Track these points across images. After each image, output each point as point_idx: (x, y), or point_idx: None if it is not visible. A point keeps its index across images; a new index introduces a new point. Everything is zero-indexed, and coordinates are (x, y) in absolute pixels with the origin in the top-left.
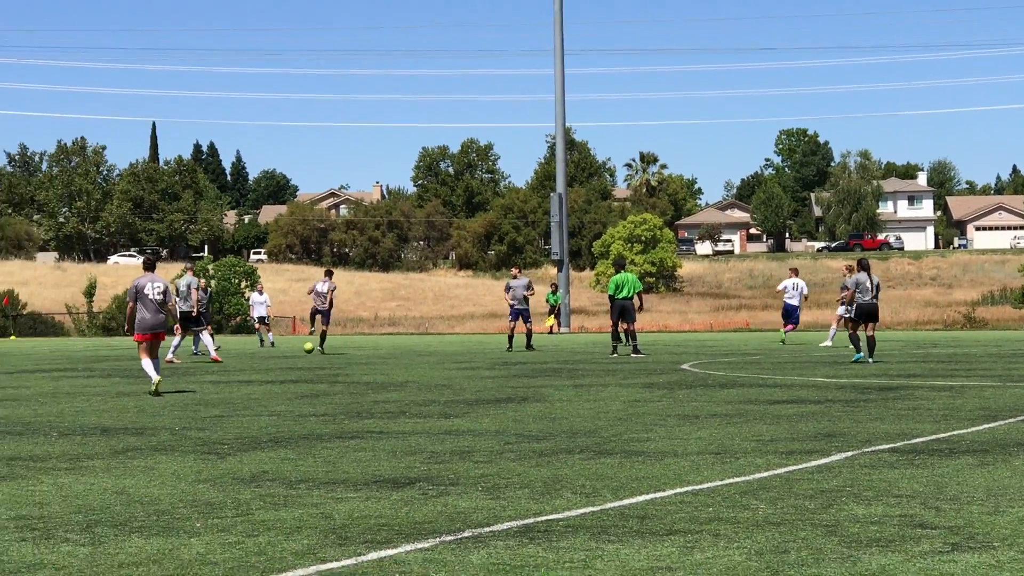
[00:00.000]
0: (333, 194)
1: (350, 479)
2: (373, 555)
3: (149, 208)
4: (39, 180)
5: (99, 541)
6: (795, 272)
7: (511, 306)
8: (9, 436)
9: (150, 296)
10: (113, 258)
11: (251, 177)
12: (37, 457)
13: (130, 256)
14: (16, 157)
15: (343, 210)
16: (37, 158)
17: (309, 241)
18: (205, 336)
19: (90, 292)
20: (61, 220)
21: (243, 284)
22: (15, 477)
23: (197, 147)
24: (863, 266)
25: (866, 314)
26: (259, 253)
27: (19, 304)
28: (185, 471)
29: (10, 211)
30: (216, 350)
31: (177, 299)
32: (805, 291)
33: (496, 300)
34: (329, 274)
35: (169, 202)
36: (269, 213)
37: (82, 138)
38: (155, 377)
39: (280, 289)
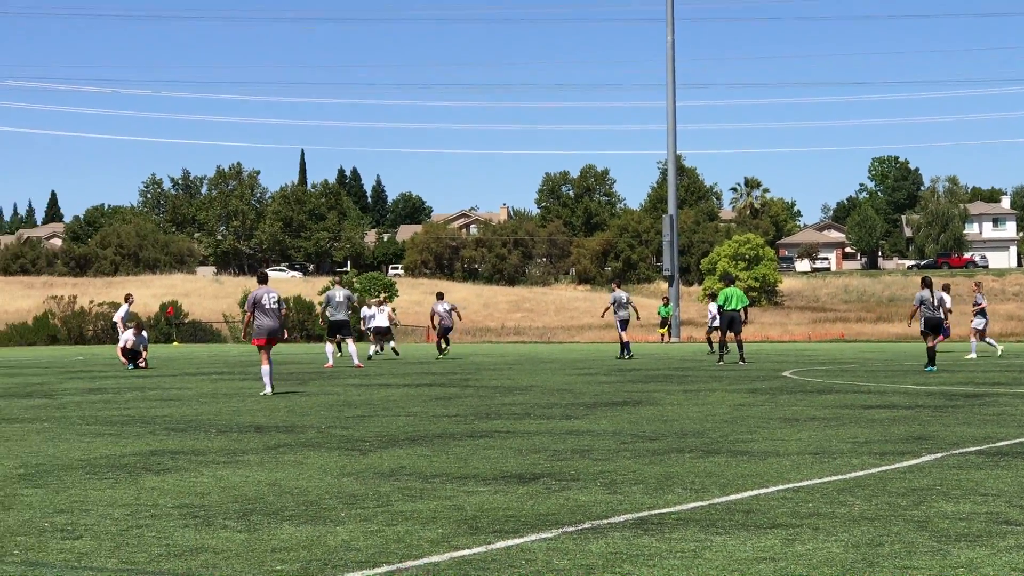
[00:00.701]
0: (464, 215)
1: (480, 474)
2: (501, 544)
3: (298, 227)
4: (200, 202)
5: (254, 528)
6: (946, 288)
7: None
8: (173, 432)
9: (267, 305)
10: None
11: (390, 199)
12: (198, 451)
13: (280, 271)
14: (180, 181)
15: (473, 229)
16: (198, 182)
17: (442, 257)
18: (350, 344)
19: (244, 303)
20: (219, 238)
21: (383, 295)
22: (179, 469)
23: (341, 172)
24: (926, 283)
25: (931, 327)
26: (397, 268)
27: (181, 314)
28: (331, 465)
29: (174, 229)
30: (371, 355)
31: (331, 309)
32: (948, 305)
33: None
34: (440, 296)
35: (316, 222)
36: (406, 232)
37: (238, 163)
38: (268, 388)
39: (415, 301)
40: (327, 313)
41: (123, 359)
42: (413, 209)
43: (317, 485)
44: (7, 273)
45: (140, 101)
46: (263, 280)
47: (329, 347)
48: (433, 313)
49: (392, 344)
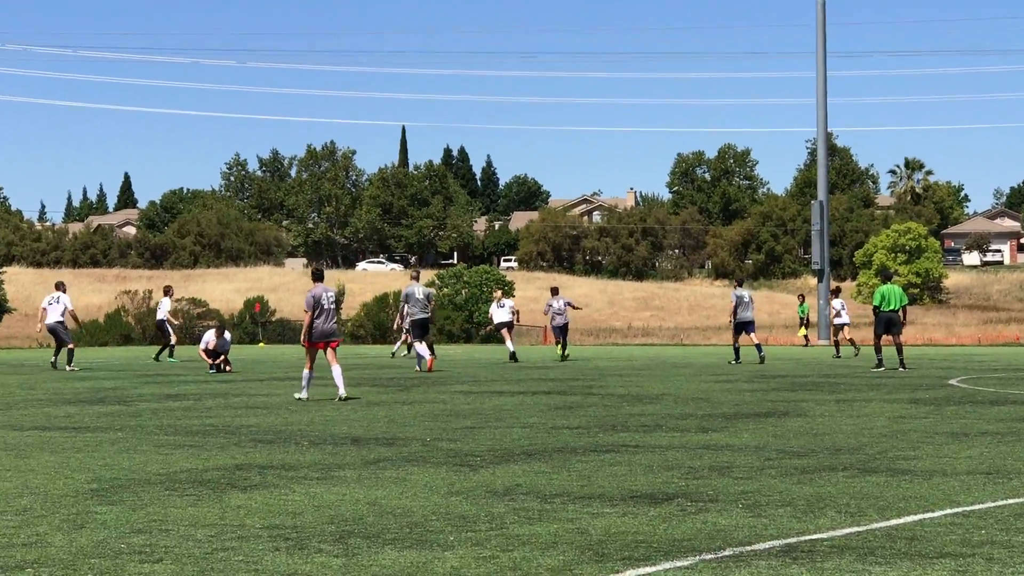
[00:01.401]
0: (586, 200)
1: (606, 494)
2: (631, 572)
3: (398, 214)
4: (288, 185)
5: (352, 552)
6: None
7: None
8: (261, 444)
9: (325, 305)
10: (362, 264)
11: (502, 182)
12: (289, 466)
13: (379, 263)
14: (267, 162)
15: (596, 217)
16: (287, 163)
17: (561, 248)
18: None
19: (338, 299)
20: (310, 226)
21: (495, 293)
22: (267, 486)
23: (447, 152)
24: None
25: None
26: (509, 260)
27: (268, 311)
28: (437, 483)
29: (260, 216)
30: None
31: (410, 307)
32: None
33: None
34: (555, 291)
35: (418, 208)
36: (520, 219)
37: (332, 143)
38: (341, 389)
39: (531, 298)
40: (406, 311)
41: (207, 359)
42: (528, 194)
43: (422, 505)
44: (76, 265)
45: (223, 73)
46: (319, 278)
47: (421, 347)
48: (547, 310)
49: (510, 346)
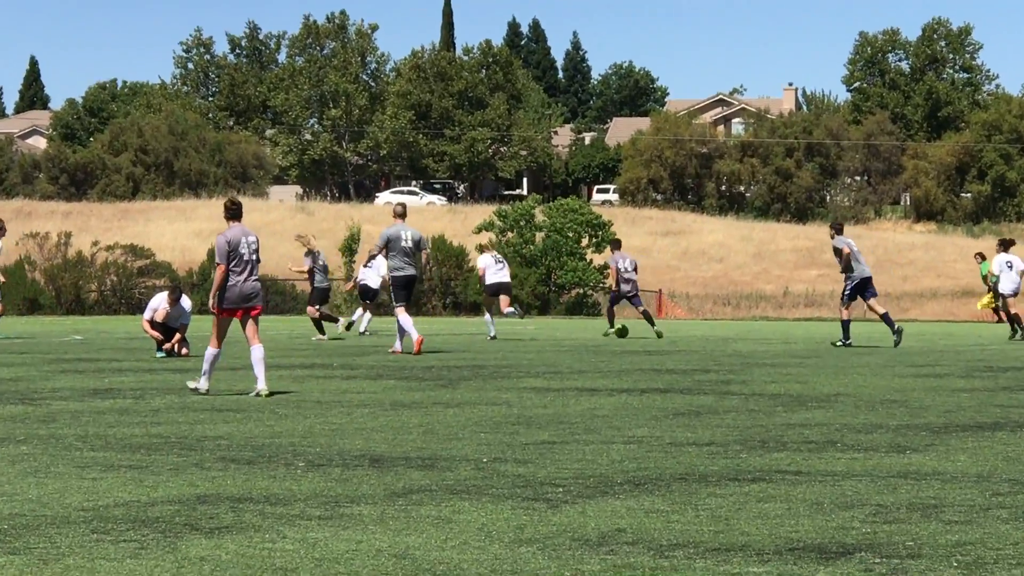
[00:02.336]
0: (722, 101)
1: (752, 544)
2: None
3: (439, 120)
4: (275, 76)
5: None
6: None
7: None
8: (234, 465)
9: (245, 255)
10: (383, 195)
11: (595, 75)
12: (276, 499)
13: (411, 193)
14: (242, 43)
15: (736, 126)
16: (273, 43)
17: (684, 174)
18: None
19: (350, 247)
20: (307, 137)
21: (584, 242)
22: (244, 528)
23: (513, 27)
24: None
25: None
26: (606, 191)
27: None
28: (499, 526)
29: (232, 123)
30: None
31: (395, 257)
32: None
33: (973, 270)
34: (617, 245)
35: (469, 111)
36: (623, 129)
37: (342, 12)
38: (261, 381)
39: (638, 247)
40: (390, 264)
41: (153, 335)
42: (635, 92)
43: (476, 559)
44: None
45: None
46: (235, 215)
47: (406, 318)
48: (615, 270)
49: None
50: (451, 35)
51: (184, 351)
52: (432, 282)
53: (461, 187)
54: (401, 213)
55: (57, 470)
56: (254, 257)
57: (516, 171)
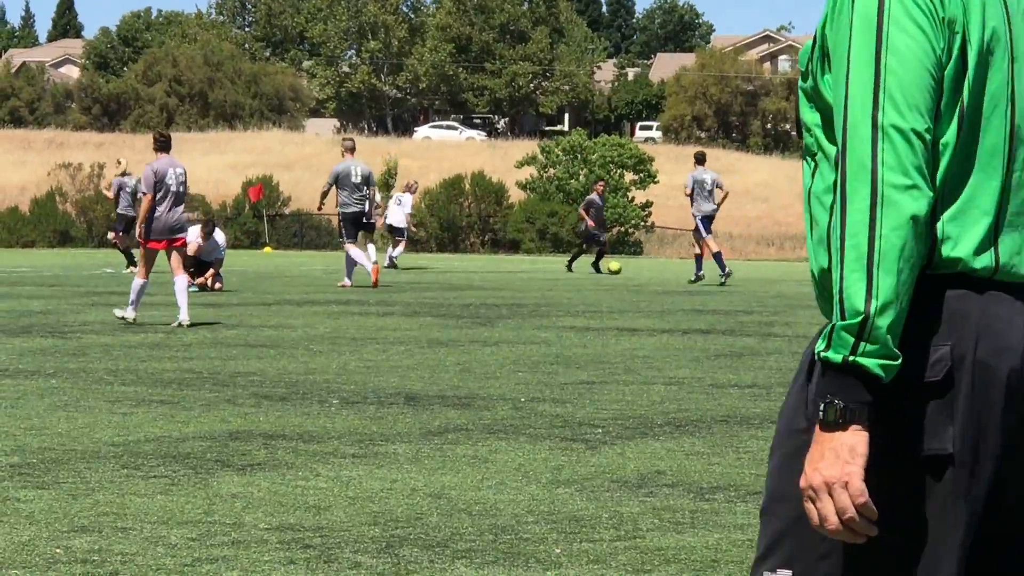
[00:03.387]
0: (768, 38)
1: None
2: None
3: (479, 53)
4: (312, 7)
5: (406, 568)
6: None
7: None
8: (268, 402)
9: (172, 187)
10: (422, 129)
11: (639, 9)
12: (310, 436)
13: (450, 128)
14: None
15: (783, 63)
16: None
17: (729, 111)
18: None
19: (387, 182)
20: (345, 69)
21: (628, 178)
22: (277, 465)
23: None
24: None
25: None
26: (649, 128)
27: (278, 199)
28: (536, 466)
29: (268, 54)
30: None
31: (344, 194)
32: None
33: None
34: (701, 158)
35: (511, 45)
36: (667, 65)
37: None
38: (183, 311)
39: (681, 185)
40: (339, 199)
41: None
42: (680, 26)
43: (513, 499)
44: None
45: None
46: (164, 147)
47: (356, 251)
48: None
49: None
50: None
51: (218, 285)
52: (471, 218)
53: (501, 122)
54: (351, 148)
55: (87, 404)
56: (180, 189)
57: (557, 107)
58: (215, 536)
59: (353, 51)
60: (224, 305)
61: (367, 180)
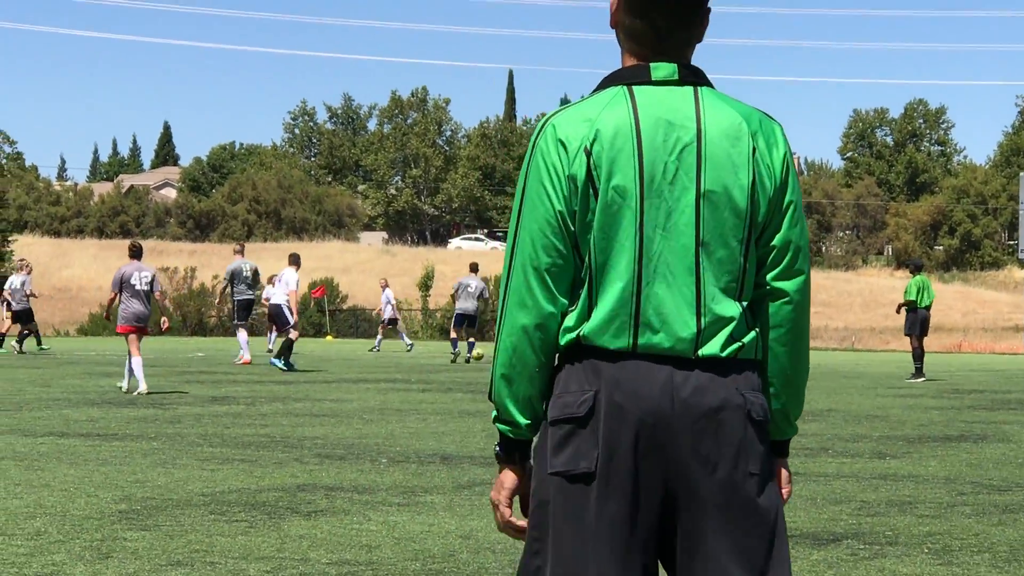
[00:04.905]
0: None
1: None
2: None
3: (502, 179)
4: (366, 141)
5: None
6: None
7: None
8: (329, 461)
9: (137, 286)
10: (455, 241)
11: None
12: (363, 488)
13: (476, 240)
14: (339, 112)
15: None
16: (364, 112)
17: None
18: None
19: (426, 283)
20: (392, 192)
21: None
22: (336, 512)
23: (564, 102)
24: None
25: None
26: None
27: (338, 297)
28: None
29: (330, 179)
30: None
31: (239, 286)
32: None
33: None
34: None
35: None
36: None
37: (423, 88)
38: (142, 383)
39: None
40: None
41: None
42: None
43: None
44: (102, 235)
45: (287, 0)
46: (136, 255)
47: (242, 336)
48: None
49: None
50: (513, 108)
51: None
52: (494, 312)
53: None
54: (240, 251)
55: (181, 462)
56: (146, 287)
57: None
58: (286, 569)
59: (399, 177)
60: (294, 383)
61: (255, 273)
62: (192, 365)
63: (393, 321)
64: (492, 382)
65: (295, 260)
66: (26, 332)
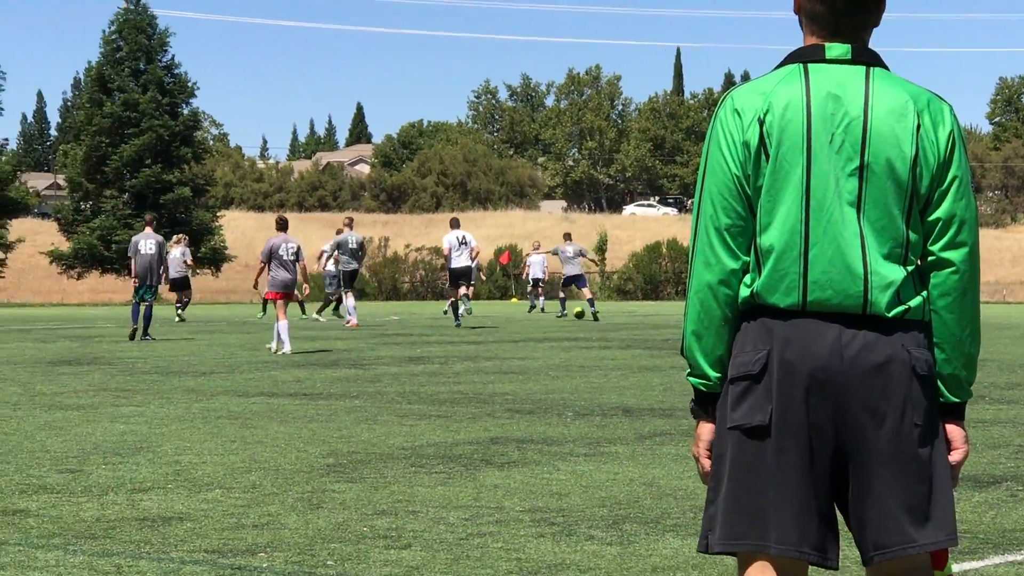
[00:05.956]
0: None
1: None
2: (955, 568)
3: (671, 150)
4: (544, 116)
5: (628, 540)
6: None
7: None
8: (519, 415)
9: (284, 256)
10: (629, 208)
11: None
12: (551, 440)
13: (649, 206)
14: (518, 90)
15: None
16: (543, 89)
17: None
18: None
19: (601, 248)
20: (569, 163)
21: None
22: (527, 462)
23: (728, 77)
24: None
25: None
26: None
27: (522, 261)
28: None
29: (511, 152)
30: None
31: (343, 256)
32: None
33: None
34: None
35: (695, 143)
36: None
37: (596, 66)
38: (287, 344)
39: None
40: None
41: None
42: None
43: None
44: (302, 208)
45: None
46: (283, 227)
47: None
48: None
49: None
50: (681, 83)
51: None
52: (667, 274)
53: (689, 201)
54: (348, 224)
55: (382, 418)
56: (292, 257)
57: None
58: (482, 517)
59: (575, 149)
60: (483, 343)
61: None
62: (388, 328)
63: (537, 282)
64: (684, 338)
65: (454, 223)
66: (186, 299)
